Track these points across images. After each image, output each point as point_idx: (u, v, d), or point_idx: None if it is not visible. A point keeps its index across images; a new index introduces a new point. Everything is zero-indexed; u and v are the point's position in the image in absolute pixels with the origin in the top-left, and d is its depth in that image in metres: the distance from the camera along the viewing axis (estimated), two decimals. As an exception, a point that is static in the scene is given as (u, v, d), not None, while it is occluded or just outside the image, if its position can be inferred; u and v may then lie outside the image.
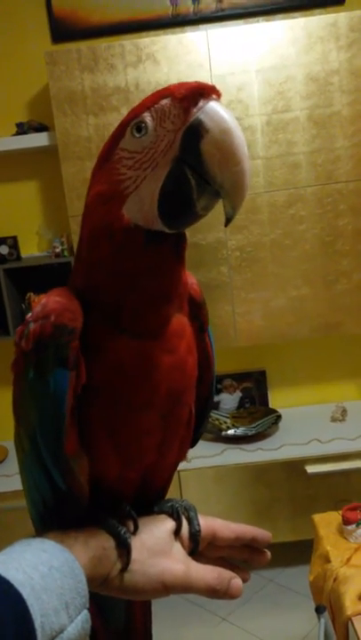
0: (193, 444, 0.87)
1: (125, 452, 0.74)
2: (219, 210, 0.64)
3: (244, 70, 2.68)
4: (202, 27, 2.93)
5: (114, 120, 2.69)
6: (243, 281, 2.82)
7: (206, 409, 0.86)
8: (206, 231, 2.74)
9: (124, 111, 2.72)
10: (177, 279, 0.69)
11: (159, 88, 0.66)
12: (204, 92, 0.61)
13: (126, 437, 0.73)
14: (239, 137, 0.60)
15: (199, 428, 0.86)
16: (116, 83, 2.69)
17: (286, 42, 2.66)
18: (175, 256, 0.67)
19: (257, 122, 2.71)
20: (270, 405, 3.12)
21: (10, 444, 3.09)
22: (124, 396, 0.71)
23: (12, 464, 2.92)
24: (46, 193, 3.08)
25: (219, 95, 0.62)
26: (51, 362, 0.68)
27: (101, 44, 2.73)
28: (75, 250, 0.65)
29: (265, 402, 3.15)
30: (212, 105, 0.60)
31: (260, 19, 2.95)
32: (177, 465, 0.84)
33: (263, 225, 2.76)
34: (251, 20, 2.95)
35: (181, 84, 0.62)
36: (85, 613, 0.62)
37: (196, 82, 0.62)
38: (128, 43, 2.68)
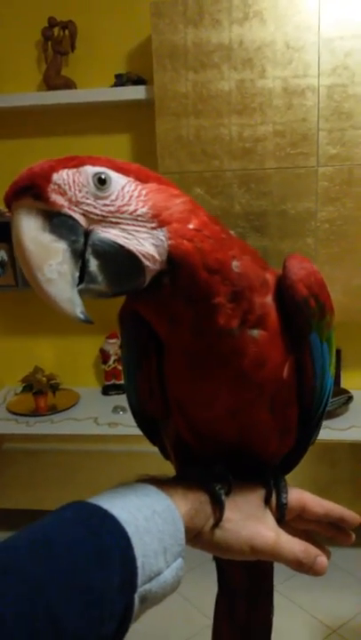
0: (302, 449, 0.87)
1: (197, 430, 0.80)
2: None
3: (354, 35, 2.55)
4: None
5: (213, 78, 2.63)
6: (328, 255, 2.73)
7: (311, 416, 0.83)
8: (296, 200, 2.66)
9: (225, 69, 2.69)
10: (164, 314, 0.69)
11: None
12: (14, 197, 0.60)
13: (195, 417, 0.79)
14: (24, 251, 0.59)
15: (310, 432, 0.85)
16: (220, 39, 2.61)
17: None
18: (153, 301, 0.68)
19: (362, 90, 2.58)
20: (342, 385, 3.05)
21: (81, 390, 3.16)
22: (187, 391, 0.77)
23: (83, 408, 2.98)
24: (137, 147, 3.05)
25: (38, 188, 0.60)
26: (126, 338, 0.83)
27: (209, -3, 2.65)
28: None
29: (337, 381, 3.07)
30: (15, 216, 0.60)
31: (378, -19, 2.78)
32: (273, 454, 0.84)
33: (358, 199, 2.65)
34: (367, -19, 2.79)
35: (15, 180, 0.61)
36: (180, 561, 0.64)
37: (15, 181, 0.60)
38: (236, -2, 2.59)
